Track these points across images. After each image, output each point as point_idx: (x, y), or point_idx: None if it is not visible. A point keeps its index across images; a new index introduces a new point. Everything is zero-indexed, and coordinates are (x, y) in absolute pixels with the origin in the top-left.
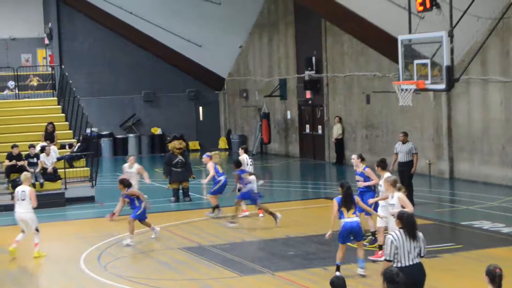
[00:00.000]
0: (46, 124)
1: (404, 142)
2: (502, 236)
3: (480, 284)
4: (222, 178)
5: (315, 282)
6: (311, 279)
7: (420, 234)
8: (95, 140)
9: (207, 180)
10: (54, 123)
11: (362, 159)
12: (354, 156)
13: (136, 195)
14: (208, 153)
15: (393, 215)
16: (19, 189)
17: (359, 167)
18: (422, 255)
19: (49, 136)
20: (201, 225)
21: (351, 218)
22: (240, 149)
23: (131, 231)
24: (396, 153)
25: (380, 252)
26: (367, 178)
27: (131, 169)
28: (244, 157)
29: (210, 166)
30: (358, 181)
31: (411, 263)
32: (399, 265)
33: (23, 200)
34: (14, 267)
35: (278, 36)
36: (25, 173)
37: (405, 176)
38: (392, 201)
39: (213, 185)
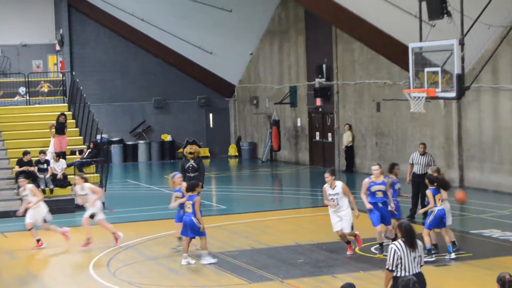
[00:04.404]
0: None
1: (422, 153)
2: (511, 245)
3: None
4: None
5: None
6: (320, 287)
7: (419, 243)
8: (105, 146)
9: None
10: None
11: None
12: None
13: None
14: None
15: None
16: None
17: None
18: (421, 264)
19: (61, 126)
20: (211, 232)
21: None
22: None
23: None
24: (412, 164)
25: None
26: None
27: None
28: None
29: None
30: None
31: (414, 272)
32: (403, 274)
33: None
34: (24, 272)
35: (288, 44)
36: None
37: (421, 189)
38: None
39: None
